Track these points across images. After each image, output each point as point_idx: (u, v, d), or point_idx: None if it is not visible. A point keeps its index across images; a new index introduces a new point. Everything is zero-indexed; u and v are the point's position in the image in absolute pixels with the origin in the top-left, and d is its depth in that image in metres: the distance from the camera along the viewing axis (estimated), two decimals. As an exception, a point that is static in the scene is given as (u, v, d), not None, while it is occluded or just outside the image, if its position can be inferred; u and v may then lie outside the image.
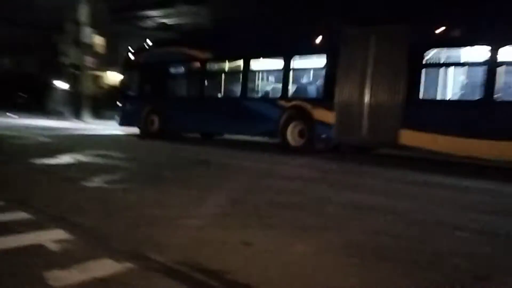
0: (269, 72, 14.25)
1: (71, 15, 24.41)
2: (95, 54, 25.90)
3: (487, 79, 8.94)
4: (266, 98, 13.66)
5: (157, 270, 3.41)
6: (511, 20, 8.84)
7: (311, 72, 13.02)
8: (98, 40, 24.07)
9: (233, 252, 3.90)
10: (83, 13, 22.90)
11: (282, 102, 12.45)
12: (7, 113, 26.01)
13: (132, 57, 17.16)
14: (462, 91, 10.42)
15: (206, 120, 14.29)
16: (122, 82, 17.74)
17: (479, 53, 9.32)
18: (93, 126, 20.34)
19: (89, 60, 23.99)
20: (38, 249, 3.75)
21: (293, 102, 12.23)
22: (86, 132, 17.53)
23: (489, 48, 8.94)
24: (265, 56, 13.23)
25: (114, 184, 6.87)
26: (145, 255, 3.68)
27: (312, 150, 11.98)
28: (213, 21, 34.55)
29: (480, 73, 9.23)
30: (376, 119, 10.71)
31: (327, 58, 11.62)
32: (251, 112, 13.01)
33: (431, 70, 10.36)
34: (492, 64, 8.90)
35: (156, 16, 32.81)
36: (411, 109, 10.07)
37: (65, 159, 9.49)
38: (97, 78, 35.06)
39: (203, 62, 14.44)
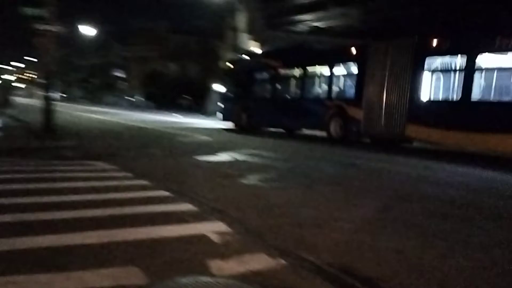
0: (319, 77, 16.65)
1: (230, 23, 26.13)
2: (250, 58, 27.40)
3: (467, 83, 10.98)
4: (318, 99, 16.24)
5: (308, 269, 3.49)
6: (486, 34, 10.61)
7: (347, 77, 15.34)
8: (253, 46, 25.34)
9: (384, 258, 3.80)
10: (241, 20, 24.32)
11: (328, 102, 15.45)
12: (173, 114, 28.88)
13: (230, 66, 21.45)
14: (449, 93, 11.93)
15: (277, 117, 17.71)
16: (222, 85, 21.98)
17: (461, 60, 11.26)
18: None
19: (244, 65, 25.47)
20: (202, 239, 4.12)
21: (335, 102, 15.21)
22: (242, 133, 18.65)
23: (468, 56, 10.96)
24: (315, 65, 16.53)
25: (268, 182, 7.20)
26: (297, 254, 3.79)
27: (347, 140, 14.53)
28: (363, 22, 33.93)
29: (463, 78, 11.16)
30: (390, 116, 13.16)
31: (358, 67, 14.38)
32: (308, 110, 16.23)
33: (427, 75, 12.30)
34: (470, 71, 10.91)
35: (308, 20, 33.37)
36: (413, 107, 12.47)
37: (223, 157, 10.23)
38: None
39: (276, 70, 18.03)
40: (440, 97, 12.07)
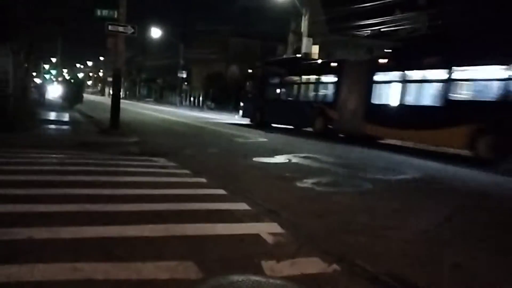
0: (310, 84, 20.36)
1: (292, 27, 26.17)
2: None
3: (402, 91, 14.76)
4: (308, 102, 19.64)
5: (363, 277, 3.43)
6: (415, 56, 14.67)
7: (328, 86, 18.79)
8: (315, 50, 25.20)
9: (441, 272, 3.67)
10: (304, 24, 24.29)
11: (314, 105, 19.01)
12: (235, 116, 29.37)
13: (250, 72, 25.49)
14: (390, 99, 15.44)
15: (281, 115, 21.20)
16: (244, 88, 25.39)
17: (398, 75, 15.13)
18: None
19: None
20: (256, 239, 4.16)
21: (319, 105, 18.74)
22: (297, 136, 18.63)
23: (402, 72, 14.92)
24: (307, 74, 20.44)
25: (323, 186, 7.14)
26: (351, 260, 3.74)
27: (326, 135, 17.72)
28: (430, 27, 32.77)
29: (399, 88, 14.93)
30: (355, 117, 16.66)
31: (336, 78, 18.04)
32: (302, 111, 19.53)
33: (376, 86, 16.07)
34: (404, 82, 14.78)
35: (372, 24, 32.74)
36: (368, 110, 16.05)
37: (280, 159, 10.25)
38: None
39: (282, 77, 21.63)
40: (385, 102, 15.60)
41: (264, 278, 3.27)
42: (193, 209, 5.03)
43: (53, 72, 51.50)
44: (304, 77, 20.53)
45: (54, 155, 8.43)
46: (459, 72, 12.78)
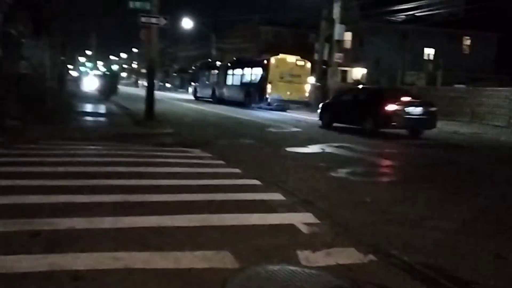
0: (243, 74, 28.39)
1: (325, 14, 25.75)
2: (343, 50, 26.88)
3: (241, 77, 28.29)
4: (239, 85, 28.12)
5: (400, 267, 3.39)
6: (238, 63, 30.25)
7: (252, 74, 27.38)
8: (347, 37, 24.79)
9: (484, 263, 3.58)
10: (336, 11, 23.88)
11: (244, 88, 27.35)
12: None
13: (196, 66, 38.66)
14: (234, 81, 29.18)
15: (224, 94, 30.20)
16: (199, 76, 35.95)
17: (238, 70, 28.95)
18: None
19: (337, 56, 24.93)
20: (291, 229, 4.16)
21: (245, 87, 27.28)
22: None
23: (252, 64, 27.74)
24: (242, 67, 28.61)
25: (358, 176, 7.07)
26: (388, 251, 3.69)
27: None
28: (467, 11, 31.67)
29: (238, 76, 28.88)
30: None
31: (262, 70, 25.95)
32: (236, 91, 28.37)
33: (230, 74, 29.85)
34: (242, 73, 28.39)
35: (406, 9, 31.92)
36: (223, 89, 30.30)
37: (313, 148, 10.20)
38: (342, 73, 36.31)
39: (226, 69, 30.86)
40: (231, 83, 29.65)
41: (299, 267, 3.27)
42: (228, 199, 5.08)
43: (88, 64, 52.68)
44: (240, 70, 28.82)
45: (91, 147, 8.65)
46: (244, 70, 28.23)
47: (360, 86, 19.82)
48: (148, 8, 13.33)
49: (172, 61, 66.96)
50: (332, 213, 4.77)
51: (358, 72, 38.87)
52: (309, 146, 10.45)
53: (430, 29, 34.48)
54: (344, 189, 6.12)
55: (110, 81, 33.16)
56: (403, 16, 34.23)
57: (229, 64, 30.66)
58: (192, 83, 37.00)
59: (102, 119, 14.94)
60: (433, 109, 14.23)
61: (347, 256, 3.55)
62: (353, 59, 35.60)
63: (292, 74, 25.02)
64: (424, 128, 14.19)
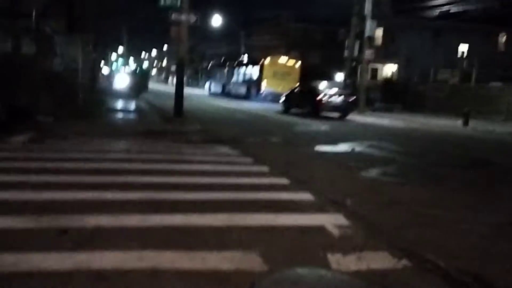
0: (245, 72, 33.70)
1: (356, 10, 25.34)
2: (374, 46, 26.40)
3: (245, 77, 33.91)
4: (241, 81, 33.87)
5: (435, 273, 3.23)
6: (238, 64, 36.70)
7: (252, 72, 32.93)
8: (378, 33, 24.34)
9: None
10: (368, 7, 23.46)
11: (246, 84, 32.66)
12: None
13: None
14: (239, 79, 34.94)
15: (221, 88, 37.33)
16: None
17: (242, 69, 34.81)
18: (367, 118, 20.89)
19: (368, 53, 24.52)
20: (320, 230, 4.03)
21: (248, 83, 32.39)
22: (360, 122, 18.12)
23: (251, 64, 33.60)
24: (241, 66, 34.98)
25: (389, 176, 6.87)
26: (422, 255, 3.53)
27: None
28: (503, 6, 30.64)
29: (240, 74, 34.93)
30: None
31: (259, 69, 31.07)
32: (239, 87, 33.75)
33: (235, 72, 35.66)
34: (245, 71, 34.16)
35: (439, 4, 31.13)
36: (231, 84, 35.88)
37: (343, 147, 10.01)
38: (373, 70, 35.72)
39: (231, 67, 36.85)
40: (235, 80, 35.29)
41: (330, 272, 3.15)
42: (256, 199, 4.98)
43: (120, 61, 53.52)
44: (241, 68, 34.90)
45: (121, 143, 8.71)
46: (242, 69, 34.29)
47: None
48: (179, 5, 13.37)
49: (201, 58, 67.40)
50: (364, 214, 4.62)
51: (389, 69, 38.17)
52: (339, 145, 10.25)
53: (464, 26, 33.49)
54: (375, 189, 5.95)
55: (141, 78, 33.56)
56: (436, 12, 33.39)
57: (235, 64, 36.00)
58: (207, 80, 42.43)
59: (131, 115, 15.09)
60: (352, 98, 20.16)
61: (379, 260, 3.41)
62: (384, 55, 34.90)
63: (283, 72, 30.13)
64: (344, 112, 19.72)
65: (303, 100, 20.12)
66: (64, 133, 9.32)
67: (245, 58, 40.24)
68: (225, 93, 35.61)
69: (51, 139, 8.62)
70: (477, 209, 5.23)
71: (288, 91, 22.27)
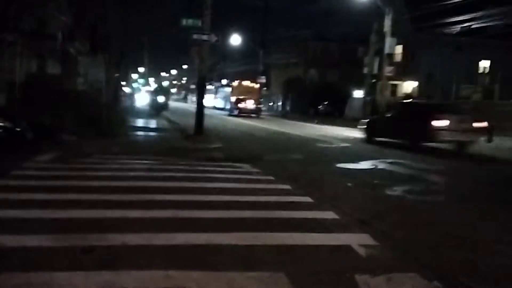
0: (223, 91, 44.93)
1: (375, 27, 25.31)
2: (394, 63, 26.25)
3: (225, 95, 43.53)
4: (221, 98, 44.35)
5: (469, 297, 3.12)
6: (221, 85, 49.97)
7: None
8: (398, 50, 24.21)
9: None
10: (387, 24, 23.40)
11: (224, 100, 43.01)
12: (314, 120, 29.07)
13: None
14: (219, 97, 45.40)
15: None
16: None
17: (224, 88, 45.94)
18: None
19: (388, 70, 24.37)
20: (347, 250, 3.95)
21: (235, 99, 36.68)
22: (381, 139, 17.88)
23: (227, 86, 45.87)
24: (223, 88, 47.15)
25: (416, 195, 6.72)
26: (454, 278, 3.42)
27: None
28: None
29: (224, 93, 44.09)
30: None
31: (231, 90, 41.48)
32: (221, 103, 43.63)
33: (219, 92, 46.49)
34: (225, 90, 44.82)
35: (460, 21, 30.87)
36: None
37: (365, 165, 9.87)
38: (393, 87, 35.47)
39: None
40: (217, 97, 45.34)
41: (359, 294, 3.07)
42: (280, 217, 4.93)
43: (141, 81, 54.32)
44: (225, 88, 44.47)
45: (144, 161, 8.76)
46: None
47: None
48: (200, 25, 13.56)
49: (220, 77, 68.11)
50: (391, 234, 4.52)
51: (409, 86, 37.86)
52: (361, 162, 10.13)
53: (485, 41, 33.11)
54: (402, 208, 5.83)
55: (161, 97, 34.03)
56: (457, 29, 33.12)
57: (218, 85, 48.15)
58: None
59: (153, 133, 15.23)
60: (259, 106, 34.71)
61: (409, 282, 3.31)
62: (404, 72, 34.67)
63: (247, 92, 37.61)
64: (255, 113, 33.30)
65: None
66: (88, 152, 9.44)
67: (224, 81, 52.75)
68: (214, 107, 43.15)
69: (76, 157, 8.74)
70: (509, 229, 5.07)
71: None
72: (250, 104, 33.94)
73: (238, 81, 41.19)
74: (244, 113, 32.83)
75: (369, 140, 15.56)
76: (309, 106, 41.78)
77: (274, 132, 19.35)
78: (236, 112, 33.76)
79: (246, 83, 40.65)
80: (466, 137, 12.94)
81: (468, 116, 13.88)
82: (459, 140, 13.09)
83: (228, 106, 38.53)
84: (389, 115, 16.02)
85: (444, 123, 12.60)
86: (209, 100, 39.59)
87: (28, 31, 14.03)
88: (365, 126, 16.33)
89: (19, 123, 9.87)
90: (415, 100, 17.29)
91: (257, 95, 38.30)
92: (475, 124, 13.12)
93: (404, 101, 17.43)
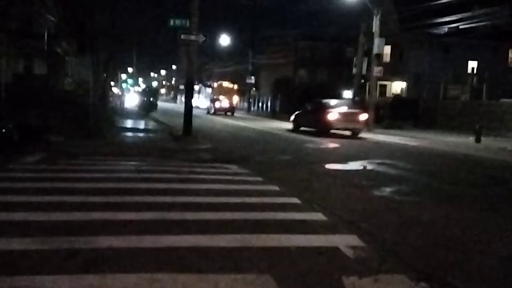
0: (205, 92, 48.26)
1: (363, 28, 25.40)
2: (382, 63, 26.36)
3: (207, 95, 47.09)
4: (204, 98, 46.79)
5: (456, 298, 3.13)
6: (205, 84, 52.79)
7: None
8: (387, 50, 24.32)
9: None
10: (376, 24, 23.50)
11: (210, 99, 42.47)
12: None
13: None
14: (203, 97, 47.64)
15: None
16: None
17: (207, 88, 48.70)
18: (377, 136, 20.75)
19: (376, 70, 24.48)
20: (334, 252, 3.94)
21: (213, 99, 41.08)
22: (370, 140, 17.99)
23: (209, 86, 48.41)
24: (205, 88, 49.36)
25: (404, 196, 6.75)
26: (441, 278, 3.43)
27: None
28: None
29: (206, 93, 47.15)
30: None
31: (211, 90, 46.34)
32: (203, 103, 44.73)
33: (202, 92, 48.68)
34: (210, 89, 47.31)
35: (448, 21, 31.12)
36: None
37: (354, 165, 9.90)
38: (382, 87, 35.65)
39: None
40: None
41: (346, 296, 3.06)
42: (267, 219, 4.91)
43: (129, 81, 54.02)
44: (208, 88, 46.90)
45: (131, 163, 8.69)
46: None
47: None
48: (188, 25, 13.50)
49: (209, 77, 68.00)
50: (379, 235, 4.52)
51: (397, 86, 38.11)
52: (349, 163, 10.16)
53: (473, 42, 33.46)
54: (390, 209, 5.83)
55: (150, 98, 33.89)
56: (445, 29, 33.41)
57: (201, 86, 49.24)
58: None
59: (141, 134, 15.14)
60: (233, 105, 39.17)
61: (397, 283, 3.32)
62: (392, 72, 34.89)
63: (226, 92, 41.14)
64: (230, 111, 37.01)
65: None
66: (75, 153, 9.35)
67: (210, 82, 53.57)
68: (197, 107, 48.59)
69: (62, 159, 8.64)
70: (496, 229, 5.10)
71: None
72: (225, 103, 37.67)
73: (219, 82, 45.01)
74: (220, 111, 36.52)
75: (295, 129, 20.48)
76: (298, 106, 41.93)
77: (262, 132, 19.37)
78: (212, 111, 37.06)
79: (226, 83, 44.27)
80: (354, 126, 18.44)
81: (355, 111, 19.07)
82: (348, 128, 18.58)
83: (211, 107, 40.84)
84: (308, 109, 20.40)
85: (334, 116, 18.00)
86: (194, 100, 40.60)
87: (14, 30, 13.86)
88: (293, 118, 21.28)
89: (5, 124, 9.75)
90: (318, 99, 20.94)
91: (235, 95, 42.50)
92: (360, 116, 18.58)
93: (314, 99, 21.42)
